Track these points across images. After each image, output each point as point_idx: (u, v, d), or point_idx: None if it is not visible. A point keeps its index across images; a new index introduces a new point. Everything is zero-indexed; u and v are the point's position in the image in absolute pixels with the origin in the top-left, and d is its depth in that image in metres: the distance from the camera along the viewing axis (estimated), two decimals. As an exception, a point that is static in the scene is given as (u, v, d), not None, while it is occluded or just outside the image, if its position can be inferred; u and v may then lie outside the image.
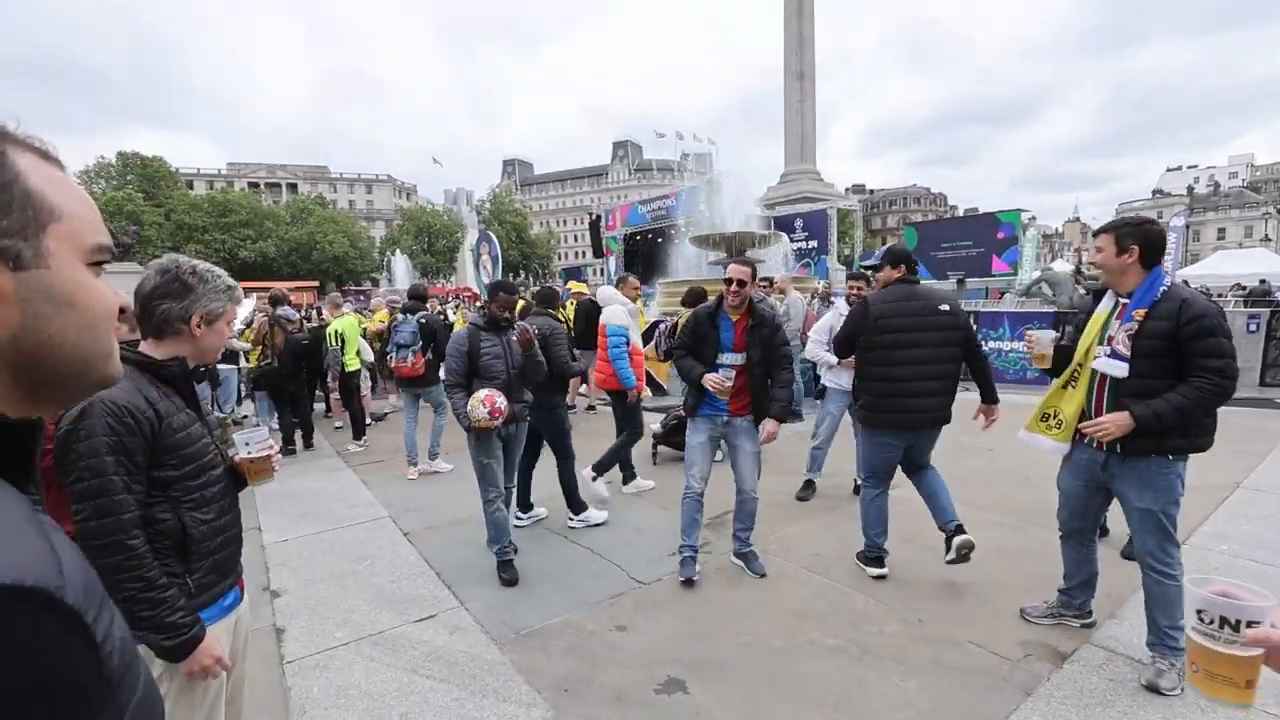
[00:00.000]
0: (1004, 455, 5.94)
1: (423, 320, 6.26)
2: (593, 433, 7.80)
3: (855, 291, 4.97)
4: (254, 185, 71.03)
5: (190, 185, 59.43)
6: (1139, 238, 2.63)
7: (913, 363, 3.54)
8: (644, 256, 20.43)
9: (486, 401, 3.72)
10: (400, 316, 6.36)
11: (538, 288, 5.30)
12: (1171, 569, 2.68)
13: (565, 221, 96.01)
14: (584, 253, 71.79)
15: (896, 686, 2.75)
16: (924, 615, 3.31)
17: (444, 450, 6.39)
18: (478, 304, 12.30)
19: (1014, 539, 4.22)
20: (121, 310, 0.63)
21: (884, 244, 69.24)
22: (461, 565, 4.13)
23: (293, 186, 75.24)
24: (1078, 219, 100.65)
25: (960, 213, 64.35)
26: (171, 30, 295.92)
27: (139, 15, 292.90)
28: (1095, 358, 2.72)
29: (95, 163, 47.47)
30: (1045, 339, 3.02)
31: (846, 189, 65.02)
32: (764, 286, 8.17)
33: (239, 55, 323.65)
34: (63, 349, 0.55)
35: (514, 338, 4.03)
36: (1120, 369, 2.61)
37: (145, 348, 1.73)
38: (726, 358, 3.74)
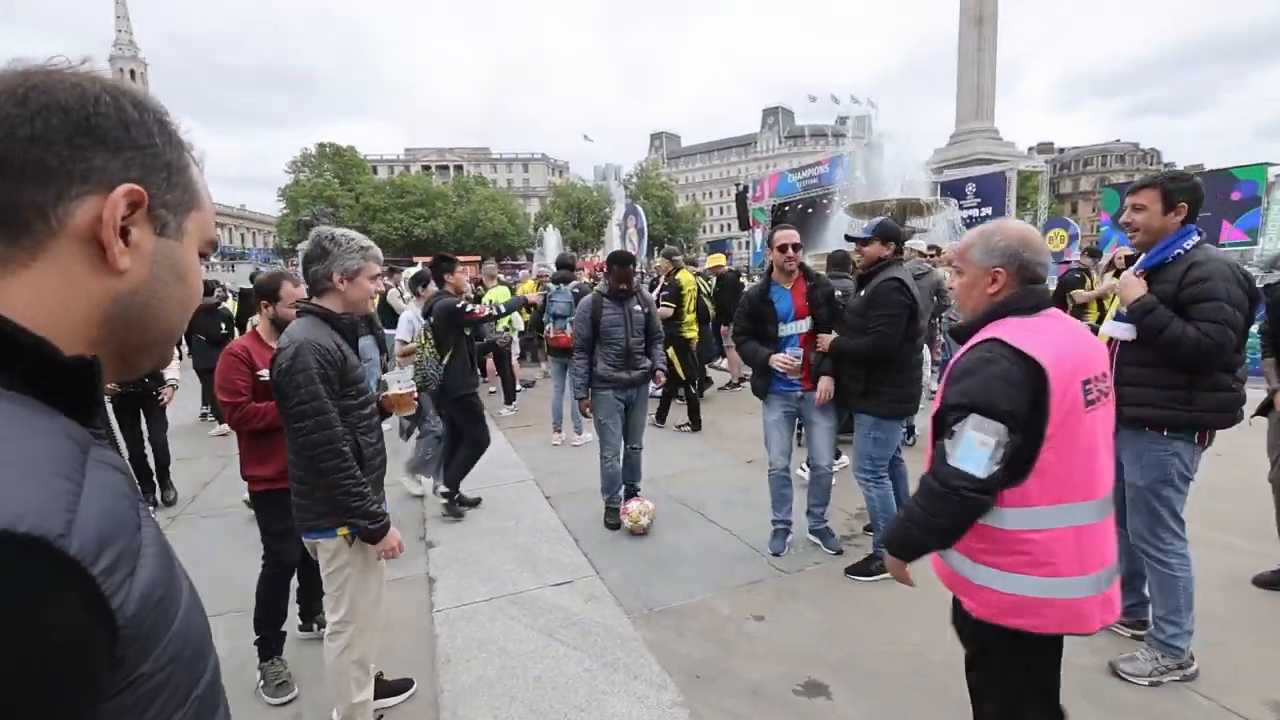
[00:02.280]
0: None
1: (576, 290, 6.36)
2: (738, 409, 7.61)
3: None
4: (426, 168, 77.81)
5: (375, 170, 66.53)
6: (1188, 194, 2.41)
7: (918, 346, 3.57)
8: (794, 227, 19.54)
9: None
10: (553, 287, 6.52)
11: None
12: (1164, 556, 2.52)
13: (711, 194, 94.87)
14: (730, 225, 70.61)
15: (1090, 728, 2.30)
16: (1130, 648, 2.77)
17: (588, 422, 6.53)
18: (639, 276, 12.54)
19: (1249, 564, 3.43)
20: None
21: (1073, 210, 60.91)
22: (599, 534, 4.15)
23: (459, 168, 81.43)
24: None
25: (1176, 171, 54.48)
26: (365, 26, 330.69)
27: (341, 17, 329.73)
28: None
29: (301, 154, 54.48)
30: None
31: (1030, 148, 57.35)
32: (929, 256, 7.38)
33: (417, 46, 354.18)
34: (163, 315, 0.61)
35: (635, 307, 4.20)
36: (1126, 331, 2.49)
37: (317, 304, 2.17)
38: (790, 327, 3.67)
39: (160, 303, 0.60)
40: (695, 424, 6.69)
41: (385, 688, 2.57)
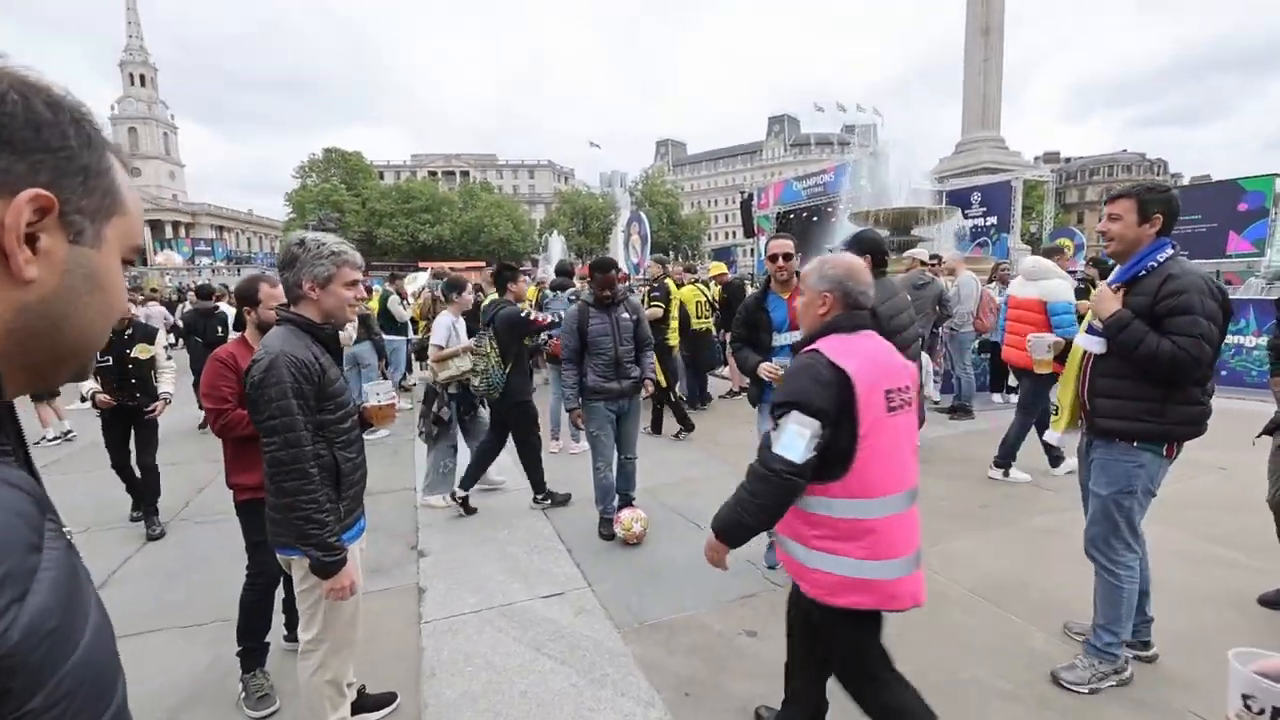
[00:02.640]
0: (1242, 472, 4.80)
1: (573, 298, 6.33)
2: (736, 417, 7.56)
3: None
4: (432, 174, 78.23)
5: (381, 176, 66.74)
6: (1164, 205, 2.40)
7: (913, 357, 3.58)
8: (797, 236, 19.51)
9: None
10: (550, 294, 6.49)
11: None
12: (1113, 566, 2.56)
13: (716, 201, 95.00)
14: (734, 233, 70.68)
15: (1090, 754, 2.23)
16: (1129, 669, 2.69)
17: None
18: (625, 284, 12.48)
19: (1251, 581, 3.35)
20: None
21: (1079, 220, 60.76)
22: (593, 544, 4.10)
23: (465, 174, 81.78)
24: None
25: (1185, 182, 54.26)
26: (374, 32, 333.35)
27: (350, 22, 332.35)
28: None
29: (308, 159, 54.79)
30: (1042, 345, 3.14)
31: (1036, 158, 57.23)
32: (931, 265, 7.32)
33: (426, 52, 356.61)
34: (79, 326, 0.58)
35: (623, 315, 4.12)
36: (1096, 344, 2.51)
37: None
38: (783, 337, 3.64)
39: (76, 313, 0.57)
40: (687, 426, 6.67)
41: (367, 702, 2.52)
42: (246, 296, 2.84)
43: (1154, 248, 2.41)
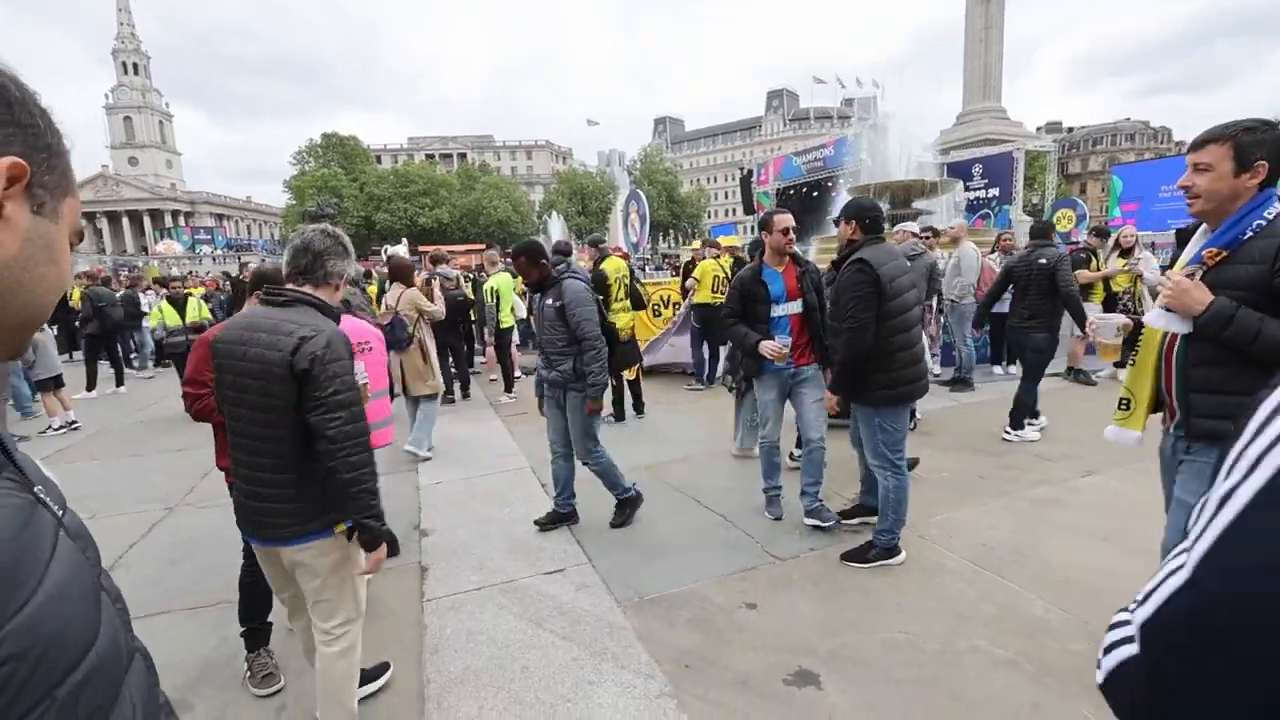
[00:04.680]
0: None
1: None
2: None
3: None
4: (430, 157, 77.58)
5: (379, 160, 66.36)
6: (1271, 148, 1.80)
7: (915, 325, 3.43)
8: (798, 211, 19.36)
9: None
10: (547, 273, 6.44)
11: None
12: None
13: (716, 178, 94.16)
14: (734, 210, 70.12)
15: None
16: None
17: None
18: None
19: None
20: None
21: (1082, 190, 60.02)
22: (592, 522, 4.11)
23: (462, 156, 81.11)
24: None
25: (1189, 150, 53.13)
26: (371, 15, 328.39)
27: (348, 5, 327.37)
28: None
29: (306, 144, 54.39)
30: (1110, 327, 2.48)
31: (1038, 128, 56.39)
32: (924, 237, 7.26)
33: (422, 34, 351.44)
34: (33, 296, 0.59)
35: (546, 301, 3.74)
36: (1181, 323, 1.91)
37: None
38: (783, 308, 3.72)
39: (32, 282, 0.59)
40: (618, 414, 6.59)
41: (364, 675, 2.53)
42: (254, 283, 2.81)
43: (1259, 202, 1.86)
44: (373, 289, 8.44)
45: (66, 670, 0.53)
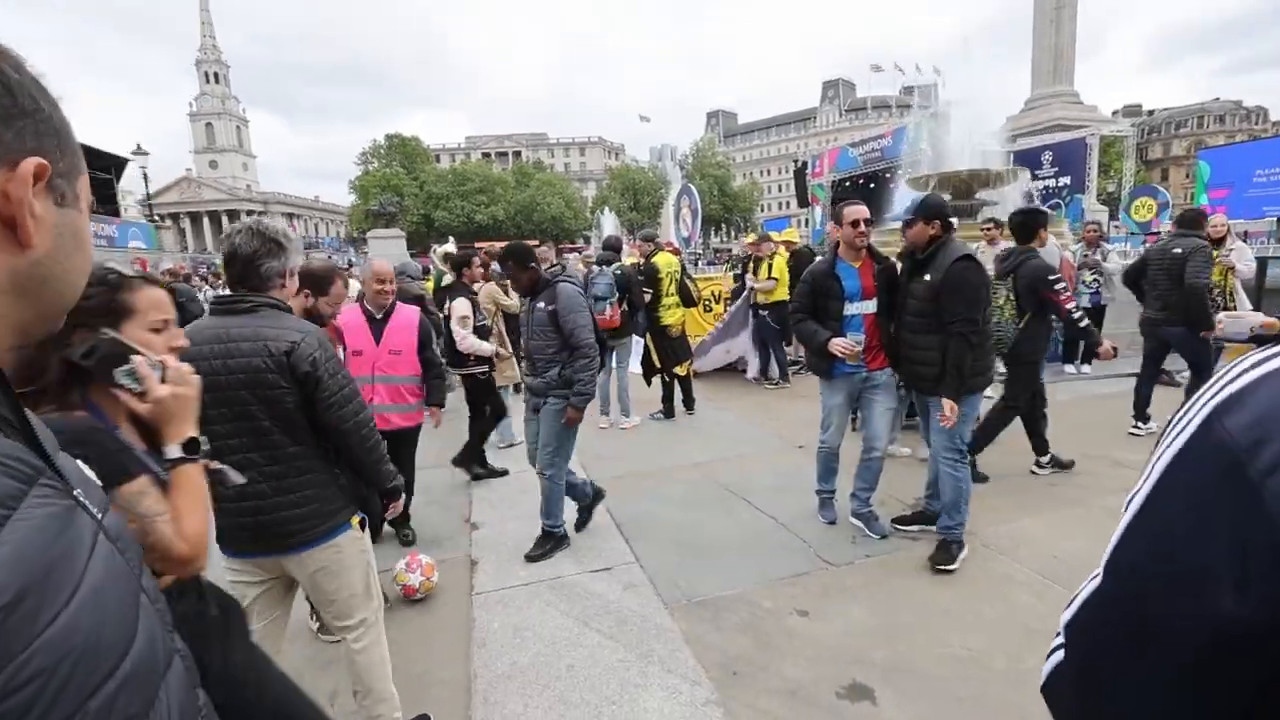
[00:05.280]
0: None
1: (618, 272, 6.26)
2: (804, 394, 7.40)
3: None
4: (486, 155, 79.23)
5: (438, 159, 68.14)
6: None
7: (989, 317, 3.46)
8: (853, 204, 18.80)
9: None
10: (595, 269, 6.43)
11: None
12: None
13: (769, 171, 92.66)
14: (788, 203, 68.89)
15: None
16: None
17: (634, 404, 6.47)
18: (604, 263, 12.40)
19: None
20: None
21: (1164, 178, 56.14)
22: (641, 521, 4.08)
23: (517, 154, 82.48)
24: None
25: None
26: (431, 17, 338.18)
27: (410, 10, 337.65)
28: None
29: (369, 145, 56.42)
30: (1242, 326, 2.29)
31: (1114, 112, 52.93)
32: (987, 229, 6.90)
33: (485, 33, 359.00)
34: (65, 284, 0.59)
35: (537, 305, 3.55)
36: None
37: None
38: (856, 306, 3.52)
39: (63, 274, 0.59)
40: (668, 410, 6.56)
41: None
42: (316, 282, 2.72)
43: None
44: (429, 283, 8.61)
45: (101, 680, 0.51)
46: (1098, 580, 0.55)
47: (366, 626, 2.15)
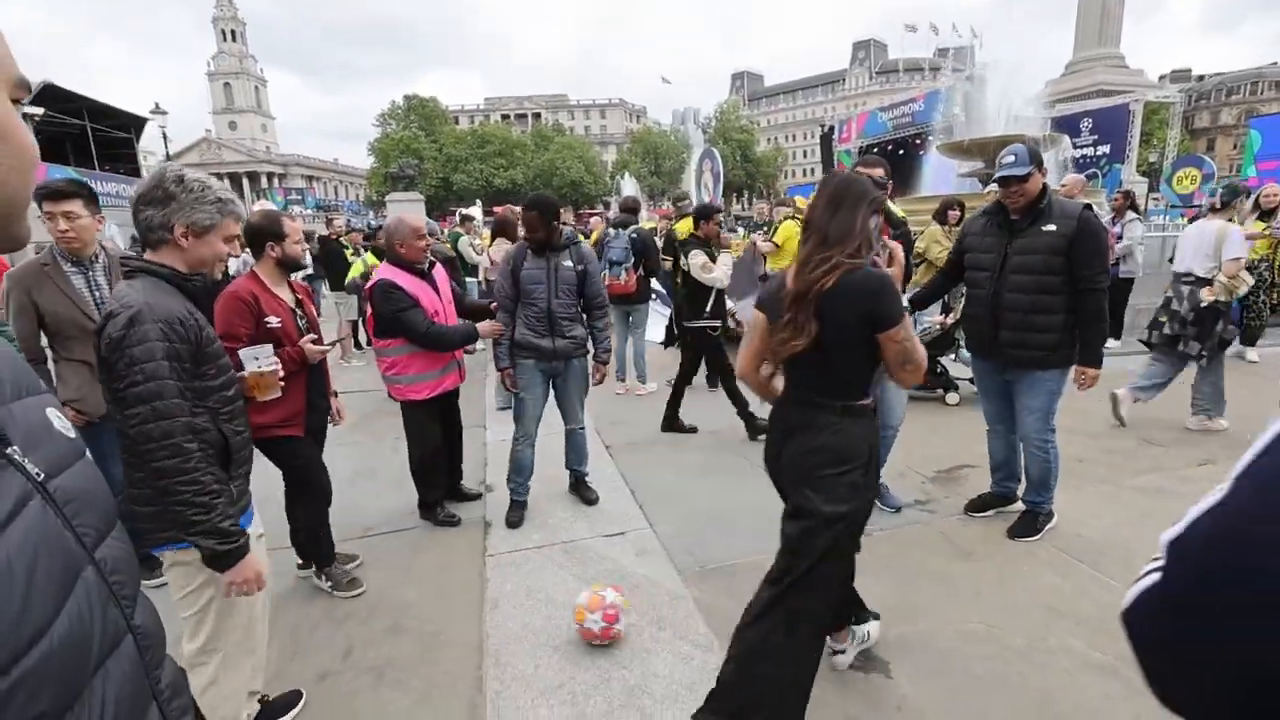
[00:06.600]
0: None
1: (634, 236, 6.12)
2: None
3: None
4: (505, 117, 78.30)
5: (456, 120, 67.47)
6: None
7: None
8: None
9: None
10: (611, 232, 6.30)
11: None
12: None
13: (795, 136, 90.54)
14: (813, 169, 67.48)
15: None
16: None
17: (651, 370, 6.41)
18: (580, 226, 12.10)
19: None
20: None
21: (1209, 148, 53.73)
22: (655, 486, 4.06)
23: (537, 116, 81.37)
24: None
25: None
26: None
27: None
28: None
29: (389, 106, 55.94)
30: None
31: (1161, 77, 50.56)
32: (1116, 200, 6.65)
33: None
34: None
35: (565, 262, 3.47)
36: None
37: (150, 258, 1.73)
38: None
39: None
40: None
41: (274, 708, 2.20)
42: (270, 232, 2.61)
43: None
44: (446, 244, 8.56)
45: (13, 658, 0.44)
46: (1213, 498, 0.50)
47: (199, 665, 1.85)
